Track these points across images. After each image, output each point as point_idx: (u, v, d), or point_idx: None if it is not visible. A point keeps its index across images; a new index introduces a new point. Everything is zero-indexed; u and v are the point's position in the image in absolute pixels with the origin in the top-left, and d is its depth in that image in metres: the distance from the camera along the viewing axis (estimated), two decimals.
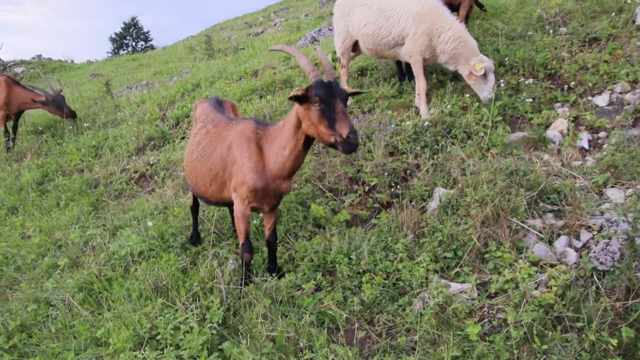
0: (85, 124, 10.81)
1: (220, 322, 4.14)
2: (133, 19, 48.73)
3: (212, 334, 4.01)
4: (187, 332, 4.04)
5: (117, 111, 11.53)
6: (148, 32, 49.64)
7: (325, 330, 4.00)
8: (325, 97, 3.70)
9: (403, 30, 6.81)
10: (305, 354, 3.64)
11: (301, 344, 3.87)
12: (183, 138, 8.86)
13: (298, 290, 4.58)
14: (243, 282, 4.55)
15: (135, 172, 8.31)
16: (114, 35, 47.93)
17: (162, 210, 6.72)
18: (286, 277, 4.70)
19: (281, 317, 4.16)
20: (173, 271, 4.84)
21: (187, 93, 10.61)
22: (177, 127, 9.37)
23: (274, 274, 4.78)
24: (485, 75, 6.40)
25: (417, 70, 6.88)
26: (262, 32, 20.56)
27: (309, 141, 4.14)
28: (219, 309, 4.21)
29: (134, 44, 48.57)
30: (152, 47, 42.43)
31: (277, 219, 4.93)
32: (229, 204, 4.95)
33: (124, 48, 47.47)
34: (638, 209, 3.94)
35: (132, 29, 48.68)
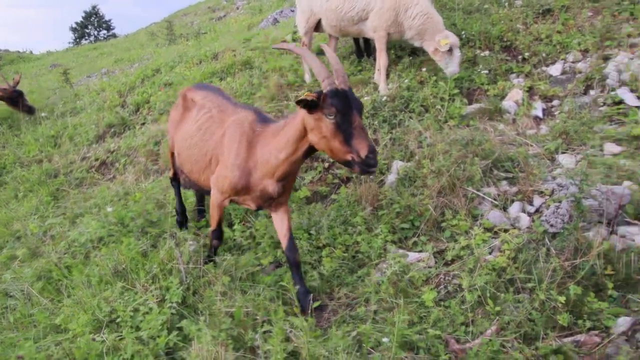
0: (42, 114, 10.59)
1: (180, 301, 4.12)
2: (94, 7, 47.83)
3: (171, 313, 4.00)
4: (147, 313, 4.02)
5: (77, 100, 11.33)
6: (110, 20, 48.85)
7: (281, 304, 4.02)
8: (343, 108, 3.23)
9: (368, 4, 6.68)
10: (263, 327, 3.66)
11: (259, 318, 3.89)
12: (143, 124, 8.77)
13: (258, 267, 4.60)
14: (202, 261, 4.53)
15: (96, 160, 8.19)
16: (74, 25, 46.92)
17: (123, 196, 6.65)
18: (246, 254, 4.71)
19: (240, 293, 4.17)
20: (133, 255, 4.80)
21: (147, 79, 10.47)
22: (138, 113, 9.27)
23: (310, 301, 4.02)
24: (450, 51, 6.35)
25: (380, 47, 6.82)
26: (224, 15, 20.35)
27: (311, 151, 3.71)
28: (178, 289, 4.20)
29: (96, 33, 47.69)
30: (114, 36, 41.64)
31: (290, 225, 4.24)
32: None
33: (86, 37, 46.53)
34: (583, 172, 4.04)
35: (93, 18, 47.72)
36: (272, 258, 4.68)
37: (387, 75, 7.06)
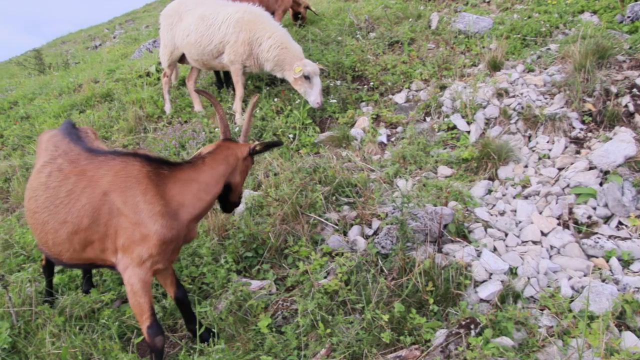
0: None
1: (9, 347, 3.94)
2: None
3: None
4: None
5: None
6: None
7: (120, 341, 3.94)
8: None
9: (223, 37, 6.75)
10: None
11: (94, 357, 3.79)
12: None
13: (99, 304, 4.48)
14: (34, 303, 4.33)
15: None
16: None
17: None
18: (90, 292, 4.58)
19: (75, 333, 4.04)
20: None
21: (3, 111, 9.94)
22: None
23: (207, 338, 3.92)
24: (309, 79, 6.46)
25: (236, 78, 6.93)
26: (100, 44, 19.79)
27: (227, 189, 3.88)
28: (6, 333, 4.00)
29: None
30: None
31: (174, 272, 3.92)
32: (95, 266, 3.84)
33: None
34: (405, 195, 4.32)
35: None
36: (115, 294, 4.58)
37: (245, 105, 7.18)
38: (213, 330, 4.02)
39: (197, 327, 3.80)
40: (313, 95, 6.50)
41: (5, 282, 4.29)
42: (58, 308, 4.36)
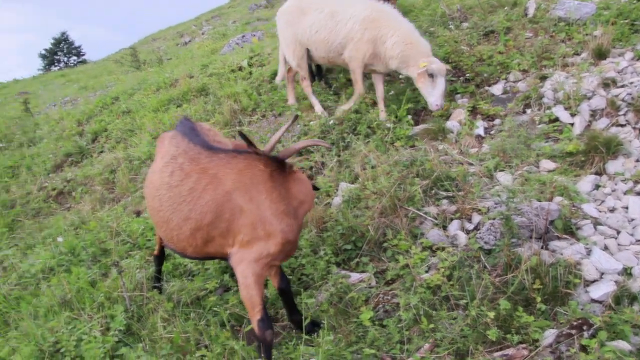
0: (0, 144, 10.58)
1: (124, 329, 4.18)
2: (63, 33, 47.48)
3: (115, 341, 4.05)
4: (89, 342, 4.05)
5: (36, 129, 11.33)
6: (79, 46, 48.52)
7: (225, 329, 4.08)
8: None
9: (349, 33, 6.58)
10: (201, 352, 3.72)
11: (202, 342, 3.96)
12: (101, 152, 8.82)
13: (203, 292, 4.66)
14: (146, 288, 4.57)
15: (53, 189, 8.20)
16: (43, 52, 46.56)
17: (79, 225, 6.67)
18: (193, 280, 4.78)
19: (183, 319, 4.23)
20: (81, 284, 4.83)
21: (106, 107, 10.53)
22: (95, 141, 9.31)
23: (312, 330, 3.95)
24: (433, 78, 6.15)
25: (356, 77, 6.80)
26: (189, 41, 20.46)
27: None
28: (122, 316, 4.25)
29: (65, 59, 47.34)
30: (84, 62, 41.42)
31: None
32: (215, 258, 4.08)
33: (56, 64, 46.17)
34: (511, 190, 4.20)
35: (62, 44, 47.42)
36: (219, 282, 4.74)
37: (338, 98, 7.19)
38: (322, 322, 4.08)
39: (303, 318, 3.89)
40: (434, 97, 6.20)
41: (120, 268, 4.53)
42: (166, 294, 4.58)
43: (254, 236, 3.40)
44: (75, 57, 47.49)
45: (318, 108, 7.21)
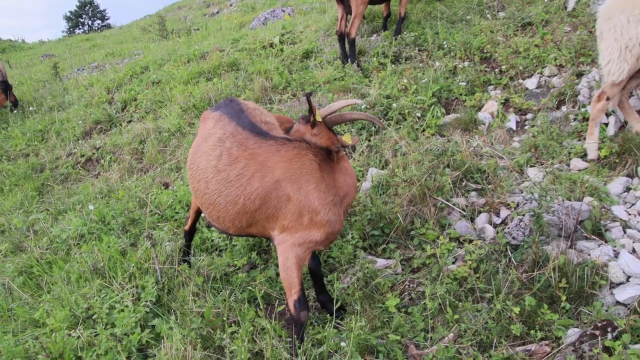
0: (30, 108, 10.70)
1: (154, 300, 4.29)
2: None
3: (146, 312, 4.16)
4: (122, 310, 4.18)
5: (65, 94, 11.43)
6: (105, 10, 48.54)
7: (253, 306, 4.19)
8: None
9: None
10: (231, 328, 3.82)
11: (230, 318, 4.06)
12: (130, 121, 8.90)
13: (231, 268, 4.77)
14: (176, 261, 4.68)
15: (82, 156, 8.32)
16: (68, 14, 46.67)
17: (107, 193, 6.80)
18: (222, 255, 4.88)
19: (212, 294, 4.34)
20: (112, 253, 4.95)
21: (136, 76, 10.59)
22: (124, 110, 9.39)
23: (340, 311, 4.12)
24: None
25: None
26: (217, 12, 20.40)
27: None
28: (153, 288, 4.36)
29: (90, 22, 47.45)
30: (108, 27, 41.47)
31: None
32: (255, 236, 4.16)
33: (80, 27, 46.30)
34: (543, 187, 4.22)
35: (87, 7, 47.45)
36: (247, 259, 4.85)
37: (370, 81, 7.17)
38: (346, 306, 4.17)
39: (331, 300, 3.98)
40: None
41: (154, 241, 4.64)
42: (195, 268, 4.68)
43: (299, 223, 3.48)
44: (99, 21, 47.58)
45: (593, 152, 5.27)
